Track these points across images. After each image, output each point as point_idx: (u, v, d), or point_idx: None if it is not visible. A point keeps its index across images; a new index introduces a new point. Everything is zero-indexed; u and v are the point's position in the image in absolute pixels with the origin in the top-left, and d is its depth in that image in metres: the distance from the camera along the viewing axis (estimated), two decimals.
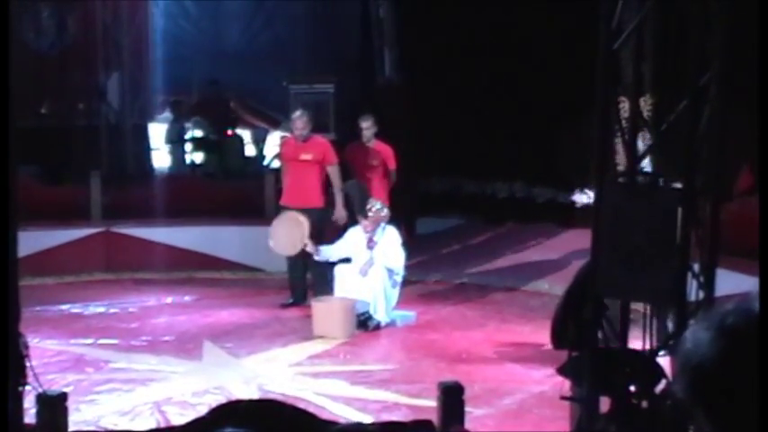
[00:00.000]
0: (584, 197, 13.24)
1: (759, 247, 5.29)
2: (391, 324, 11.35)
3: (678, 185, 6.63)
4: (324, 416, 7.58)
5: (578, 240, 12.47)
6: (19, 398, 6.29)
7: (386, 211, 11.52)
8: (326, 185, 12.18)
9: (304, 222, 11.52)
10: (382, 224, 11.45)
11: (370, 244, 11.38)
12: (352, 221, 11.86)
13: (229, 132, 17.83)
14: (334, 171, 12.04)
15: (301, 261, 12.02)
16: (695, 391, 1.70)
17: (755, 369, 1.63)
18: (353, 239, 11.51)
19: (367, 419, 8.24)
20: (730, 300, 1.73)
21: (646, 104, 7.50)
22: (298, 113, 12.30)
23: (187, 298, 12.54)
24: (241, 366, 10.01)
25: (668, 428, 6.06)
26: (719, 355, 1.67)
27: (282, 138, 13.50)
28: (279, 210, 12.33)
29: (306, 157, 11.96)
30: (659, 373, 6.37)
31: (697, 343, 1.70)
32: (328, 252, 11.54)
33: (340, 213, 12.11)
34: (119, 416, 8.51)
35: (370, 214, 11.40)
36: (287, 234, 11.66)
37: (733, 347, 1.66)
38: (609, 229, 6.48)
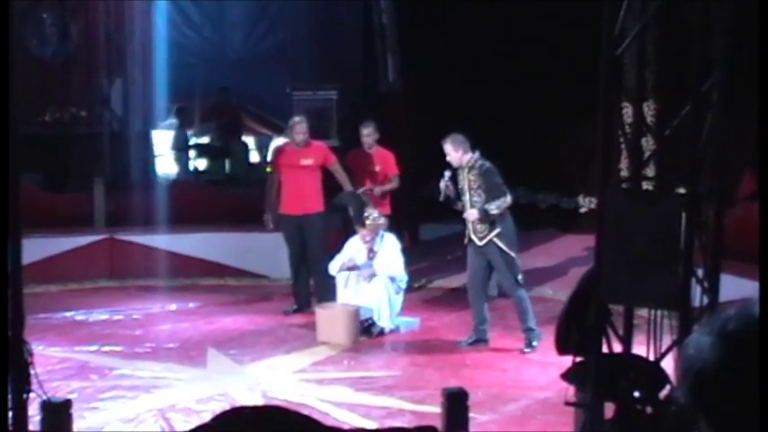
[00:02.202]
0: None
1: (759, 253, 5.29)
2: (395, 330, 11.35)
3: (681, 190, 6.64)
4: (328, 422, 7.59)
5: (582, 246, 12.51)
6: (23, 405, 6.29)
7: (383, 220, 11.52)
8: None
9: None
10: (380, 232, 11.46)
11: (371, 254, 11.39)
12: (351, 232, 11.84)
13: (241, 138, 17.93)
14: (336, 168, 12.05)
15: (305, 268, 12.03)
16: (697, 397, 1.70)
17: (757, 374, 1.63)
18: (353, 250, 11.50)
19: (371, 426, 8.23)
20: (732, 305, 1.74)
21: (649, 110, 7.51)
22: (297, 119, 12.25)
23: (191, 305, 12.54)
24: (245, 373, 10.01)
25: None
26: (721, 361, 1.67)
27: (277, 146, 13.38)
28: (279, 218, 12.27)
29: (307, 162, 11.93)
30: (663, 378, 6.37)
31: (699, 348, 1.70)
32: (335, 269, 11.50)
33: (350, 189, 12.11)
34: (123, 423, 8.51)
35: (367, 222, 11.40)
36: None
37: (734, 353, 1.67)
38: (612, 235, 6.48)
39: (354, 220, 11.92)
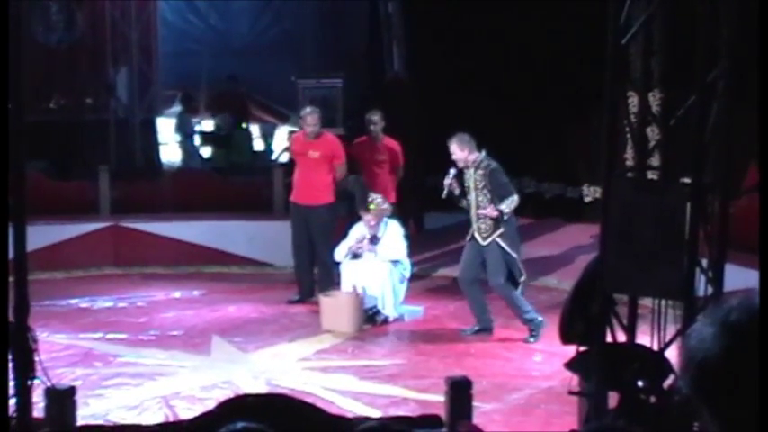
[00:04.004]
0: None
1: (759, 245, 5.28)
2: (399, 319, 11.35)
3: (686, 180, 6.63)
4: (332, 410, 7.60)
5: (587, 235, 12.50)
6: (28, 391, 6.31)
7: (387, 205, 11.52)
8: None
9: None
10: (385, 219, 11.45)
11: (374, 240, 11.38)
12: (356, 218, 11.84)
13: (243, 126, 17.88)
14: (340, 168, 12.04)
15: (308, 256, 12.02)
16: (699, 387, 1.70)
17: (759, 364, 1.63)
18: (357, 236, 11.49)
19: (375, 414, 8.25)
20: (734, 295, 1.73)
21: (654, 100, 7.50)
22: (308, 110, 12.25)
23: (195, 292, 12.55)
24: (249, 361, 10.02)
25: (676, 424, 6.06)
26: (723, 351, 1.67)
27: (291, 133, 13.46)
28: (288, 206, 12.34)
29: (315, 154, 11.92)
30: (667, 368, 6.37)
31: (701, 339, 1.70)
32: (340, 254, 11.49)
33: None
34: (127, 410, 8.53)
35: (371, 207, 11.39)
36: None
37: (736, 343, 1.67)
38: (617, 225, 6.48)
39: (358, 204, 11.91)
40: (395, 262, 11.32)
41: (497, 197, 10.45)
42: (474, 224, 10.59)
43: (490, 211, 10.42)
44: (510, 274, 10.53)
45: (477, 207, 10.51)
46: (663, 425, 6.23)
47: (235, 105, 18.09)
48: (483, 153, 10.58)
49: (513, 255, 10.49)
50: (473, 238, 10.62)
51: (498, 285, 10.54)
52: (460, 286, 10.88)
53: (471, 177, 10.56)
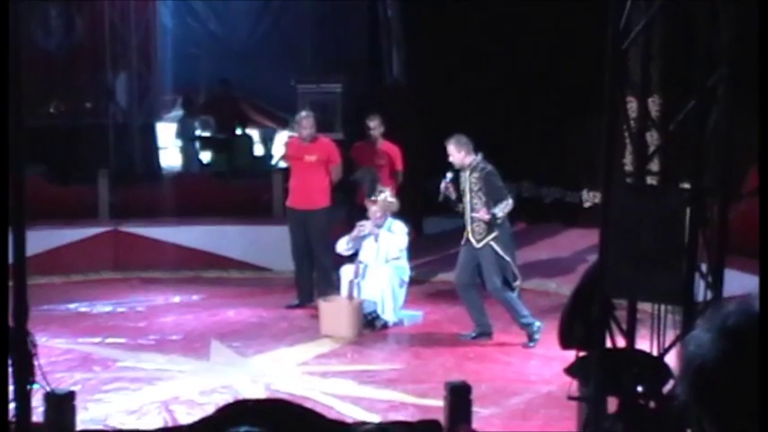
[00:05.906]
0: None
1: (759, 248, 5.28)
2: (398, 324, 11.35)
3: (686, 186, 6.63)
4: (331, 415, 7.60)
5: (586, 240, 12.49)
6: (27, 396, 6.30)
7: (395, 200, 11.55)
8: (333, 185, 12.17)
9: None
10: (389, 219, 11.45)
11: (376, 228, 11.35)
12: (355, 219, 11.83)
13: (238, 132, 17.83)
14: (336, 170, 12.05)
15: (308, 261, 12.03)
16: (698, 393, 1.70)
17: (757, 370, 1.63)
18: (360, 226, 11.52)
19: (374, 419, 8.24)
20: (732, 300, 1.73)
21: (654, 104, 7.51)
22: (303, 114, 12.28)
23: (195, 297, 12.54)
24: (248, 365, 10.02)
25: (675, 429, 6.06)
26: (721, 356, 1.67)
27: (288, 137, 13.49)
28: (285, 211, 12.36)
29: (311, 158, 11.94)
30: (666, 373, 6.37)
31: (699, 344, 1.70)
32: (342, 246, 11.51)
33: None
34: (126, 414, 8.52)
35: (379, 198, 11.40)
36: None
37: (735, 348, 1.67)
38: (617, 230, 6.48)
39: (367, 194, 11.90)
40: (394, 262, 11.32)
41: (492, 201, 10.48)
42: (468, 227, 10.61)
43: (483, 214, 10.44)
44: (504, 279, 10.56)
45: (472, 210, 10.54)
46: (662, 430, 6.23)
47: (228, 109, 18.10)
48: (479, 156, 10.61)
49: (507, 259, 10.52)
50: (468, 241, 10.64)
51: (495, 289, 10.55)
52: (457, 290, 10.89)
53: (467, 180, 10.59)
